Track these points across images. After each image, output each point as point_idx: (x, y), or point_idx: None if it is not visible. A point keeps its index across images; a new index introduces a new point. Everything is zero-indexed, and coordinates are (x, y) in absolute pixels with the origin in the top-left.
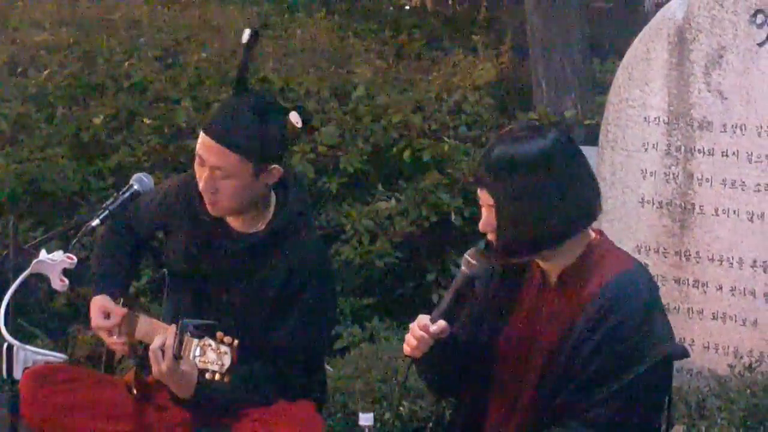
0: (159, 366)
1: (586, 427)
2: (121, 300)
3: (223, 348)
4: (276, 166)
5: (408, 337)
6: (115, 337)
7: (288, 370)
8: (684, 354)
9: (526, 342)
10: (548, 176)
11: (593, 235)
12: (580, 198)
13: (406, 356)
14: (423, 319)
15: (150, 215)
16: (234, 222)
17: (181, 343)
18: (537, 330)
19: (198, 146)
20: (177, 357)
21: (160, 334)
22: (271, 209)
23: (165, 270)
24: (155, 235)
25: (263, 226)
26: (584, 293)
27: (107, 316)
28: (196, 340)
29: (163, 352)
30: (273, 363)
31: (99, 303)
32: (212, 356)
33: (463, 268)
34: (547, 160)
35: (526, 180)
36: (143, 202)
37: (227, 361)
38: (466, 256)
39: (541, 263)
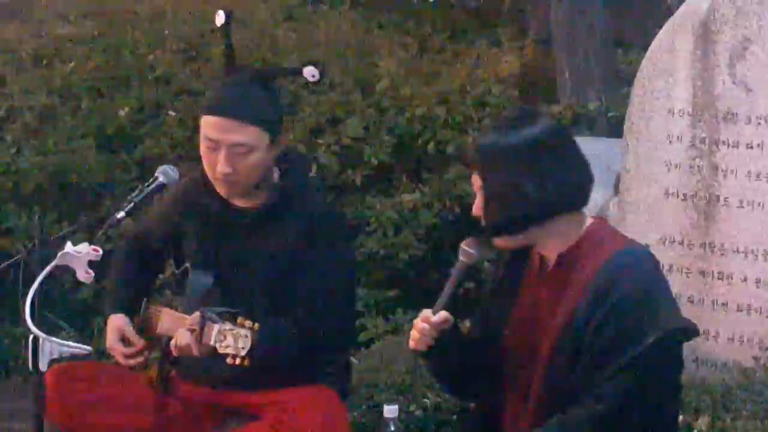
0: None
1: (598, 402)
2: (142, 308)
3: (243, 331)
4: (282, 134)
5: (412, 331)
6: (131, 360)
7: (316, 323)
8: (694, 331)
9: (531, 328)
10: (534, 162)
11: (591, 220)
12: (564, 181)
13: (411, 350)
14: (425, 312)
15: (157, 223)
16: (239, 201)
17: (202, 329)
18: (540, 316)
19: (208, 130)
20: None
21: (182, 326)
22: (274, 181)
23: (186, 264)
24: (168, 245)
25: (268, 197)
26: (583, 274)
27: (124, 339)
28: (216, 326)
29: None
30: (301, 320)
31: (117, 324)
32: (230, 340)
33: (460, 257)
34: (533, 147)
35: (511, 165)
36: (149, 215)
37: (247, 344)
38: (462, 245)
39: (538, 249)
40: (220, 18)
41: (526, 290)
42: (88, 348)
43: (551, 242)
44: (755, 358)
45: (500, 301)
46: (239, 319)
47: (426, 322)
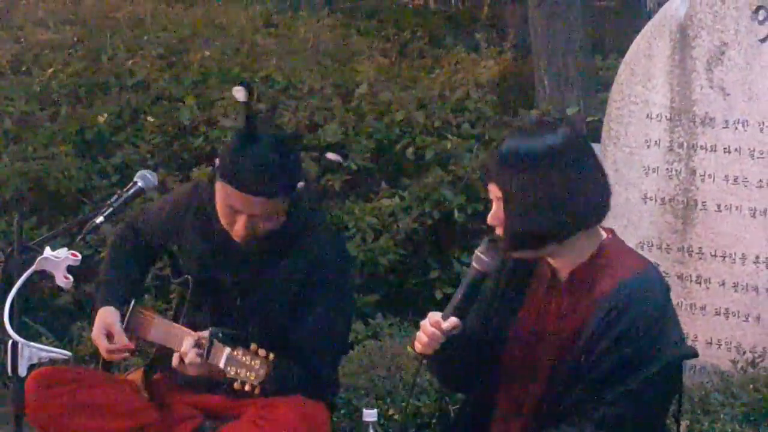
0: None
1: (595, 425)
2: (130, 306)
3: (258, 362)
4: (301, 183)
5: (419, 334)
6: (113, 356)
7: (316, 363)
8: (694, 355)
9: (534, 339)
10: (556, 172)
11: (605, 235)
12: (588, 195)
13: (417, 354)
14: (434, 315)
15: (160, 226)
16: None
17: (209, 349)
18: (545, 328)
19: (229, 200)
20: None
21: (186, 339)
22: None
23: (188, 276)
24: (166, 247)
25: (276, 227)
26: (596, 292)
27: (110, 334)
28: (228, 349)
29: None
30: (301, 360)
31: (106, 319)
32: (245, 367)
33: (474, 264)
34: (555, 156)
35: (533, 175)
36: (152, 212)
37: (262, 374)
38: (477, 252)
39: (550, 261)
40: (241, 94)
41: (533, 300)
42: (68, 353)
43: (566, 256)
44: (733, 362)
45: (503, 307)
46: (252, 346)
47: (436, 327)
